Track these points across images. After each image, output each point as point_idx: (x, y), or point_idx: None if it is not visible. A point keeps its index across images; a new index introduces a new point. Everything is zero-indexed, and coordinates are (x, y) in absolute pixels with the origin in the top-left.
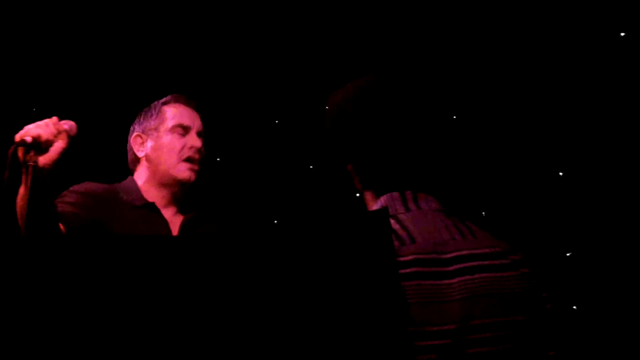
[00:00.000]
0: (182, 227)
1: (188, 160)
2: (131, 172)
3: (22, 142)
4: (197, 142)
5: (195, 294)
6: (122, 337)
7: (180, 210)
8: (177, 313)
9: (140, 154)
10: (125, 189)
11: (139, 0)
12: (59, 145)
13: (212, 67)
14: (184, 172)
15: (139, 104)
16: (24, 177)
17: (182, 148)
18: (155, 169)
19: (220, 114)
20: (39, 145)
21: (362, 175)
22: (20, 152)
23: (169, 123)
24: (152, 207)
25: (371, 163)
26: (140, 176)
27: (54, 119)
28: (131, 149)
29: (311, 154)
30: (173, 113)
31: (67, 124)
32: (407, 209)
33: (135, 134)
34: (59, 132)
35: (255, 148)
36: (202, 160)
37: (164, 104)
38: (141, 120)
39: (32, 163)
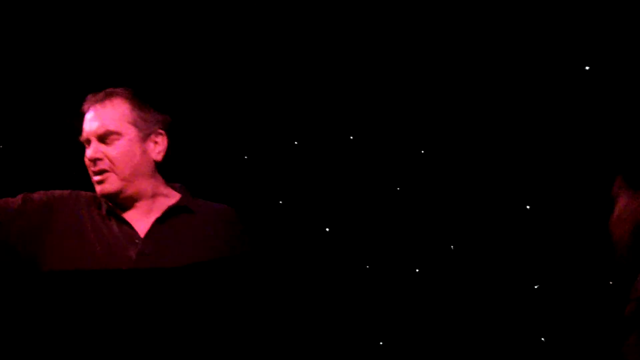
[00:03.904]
0: (150, 231)
1: (94, 174)
2: None
3: None
4: (89, 153)
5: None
6: None
7: (147, 210)
8: None
9: None
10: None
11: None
12: None
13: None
14: (96, 188)
15: None
16: None
17: (88, 165)
18: None
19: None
20: None
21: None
22: None
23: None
24: (115, 214)
25: None
26: None
27: None
28: None
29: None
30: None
31: None
32: None
33: None
34: None
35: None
36: (110, 166)
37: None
38: None
39: None
